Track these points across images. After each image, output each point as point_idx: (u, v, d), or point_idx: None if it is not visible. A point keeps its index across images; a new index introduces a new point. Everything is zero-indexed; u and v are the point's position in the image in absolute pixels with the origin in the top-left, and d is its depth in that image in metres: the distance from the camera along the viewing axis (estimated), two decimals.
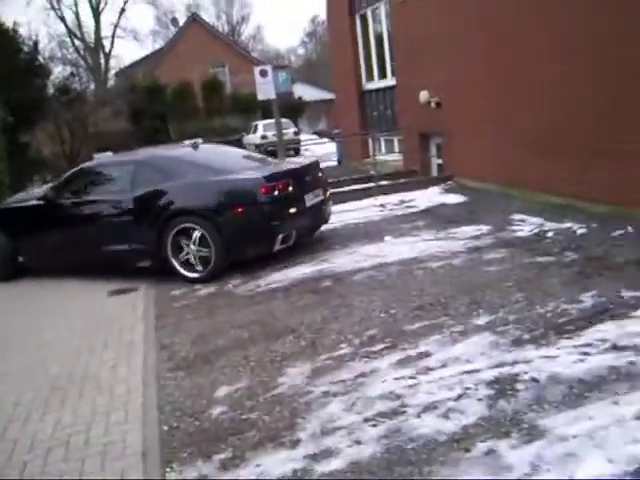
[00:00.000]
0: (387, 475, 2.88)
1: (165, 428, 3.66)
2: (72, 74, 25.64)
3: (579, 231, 6.73)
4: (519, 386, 3.52)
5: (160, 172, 7.11)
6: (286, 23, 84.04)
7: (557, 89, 7.67)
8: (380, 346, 4.38)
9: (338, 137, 15.92)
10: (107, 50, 44.27)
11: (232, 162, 7.71)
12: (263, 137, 22.46)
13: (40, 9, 60.99)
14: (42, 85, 21.96)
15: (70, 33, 43.00)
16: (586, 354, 3.83)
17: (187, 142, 8.65)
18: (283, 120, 24.29)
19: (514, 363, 3.82)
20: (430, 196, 9.87)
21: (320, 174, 7.87)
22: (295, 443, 3.29)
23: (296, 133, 22.81)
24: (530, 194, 8.44)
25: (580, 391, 3.38)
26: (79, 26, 42.91)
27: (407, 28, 11.59)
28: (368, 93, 14.49)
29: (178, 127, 24.68)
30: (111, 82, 41.19)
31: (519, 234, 6.99)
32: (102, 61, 44.38)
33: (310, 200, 7.28)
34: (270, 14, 71.35)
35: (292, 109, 26.02)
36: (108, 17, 59.39)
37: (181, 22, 42.17)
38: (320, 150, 19.37)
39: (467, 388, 3.59)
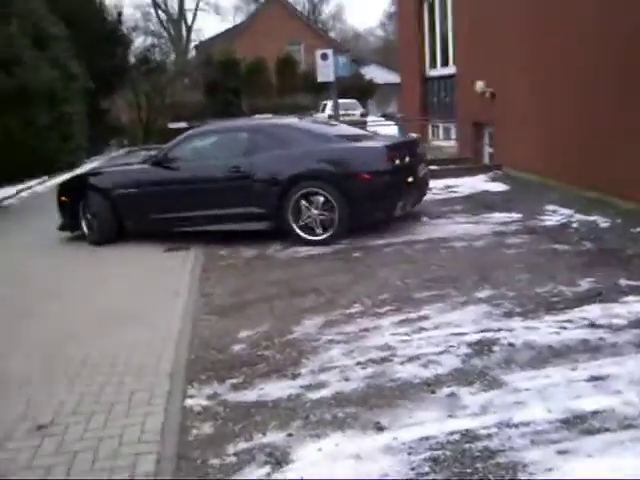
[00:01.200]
0: (361, 403, 3.47)
1: (192, 357, 4.35)
2: (153, 45, 26.84)
3: (602, 224, 7.07)
4: (495, 348, 4.05)
5: (276, 139, 7.47)
6: (367, 3, 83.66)
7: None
8: (387, 308, 4.96)
9: (400, 120, 16.34)
10: (189, 23, 45.55)
11: (344, 131, 8.26)
12: (330, 116, 22.99)
13: None
14: (123, 54, 23.11)
15: (155, 4, 44.45)
16: (564, 328, 4.30)
17: (258, 116, 9.34)
18: (350, 101, 24.93)
19: (498, 330, 4.33)
20: (475, 183, 10.26)
21: (420, 149, 8.27)
22: (295, 376, 3.92)
23: (362, 115, 23.27)
24: (568, 187, 8.76)
25: (546, 356, 3.88)
26: None
27: (468, 17, 11.93)
28: (430, 80, 14.85)
29: (250, 102, 25.50)
30: (191, 54, 42.39)
31: (546, 223, 7.37)
32: (184, 33, 45.71)
33: (420, 171, 7.75)
34: None
35: (362, 91, 26.45)
36: None
37: None
38: (384, 132, 19.79)
39: (450, 346, 4.13)
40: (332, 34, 53.74)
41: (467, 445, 2.98)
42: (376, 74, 35.24)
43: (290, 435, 3.24)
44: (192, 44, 45.41)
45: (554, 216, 7.68)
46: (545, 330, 4.28)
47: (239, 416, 3.49)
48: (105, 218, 8.05)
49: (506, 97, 10.56)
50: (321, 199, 7.04)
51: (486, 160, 11.91)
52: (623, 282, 5.14)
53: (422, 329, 4.48)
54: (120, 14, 23.19)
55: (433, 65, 14.69)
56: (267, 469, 2.96)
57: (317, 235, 7.12)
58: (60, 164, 17.42)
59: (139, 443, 3.29)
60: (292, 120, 8.72)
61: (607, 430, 3.01)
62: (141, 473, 3.02)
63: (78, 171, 17.71)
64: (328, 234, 7.09)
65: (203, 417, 3.52)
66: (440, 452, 2.94)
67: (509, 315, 4.62)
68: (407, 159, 7.34)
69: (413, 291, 5.32)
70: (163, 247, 7.75)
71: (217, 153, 7.84)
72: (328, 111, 23.65)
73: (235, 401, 3.68)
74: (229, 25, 45.09)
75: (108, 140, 24.83)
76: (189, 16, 45.76)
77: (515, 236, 6.87)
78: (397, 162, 7.16)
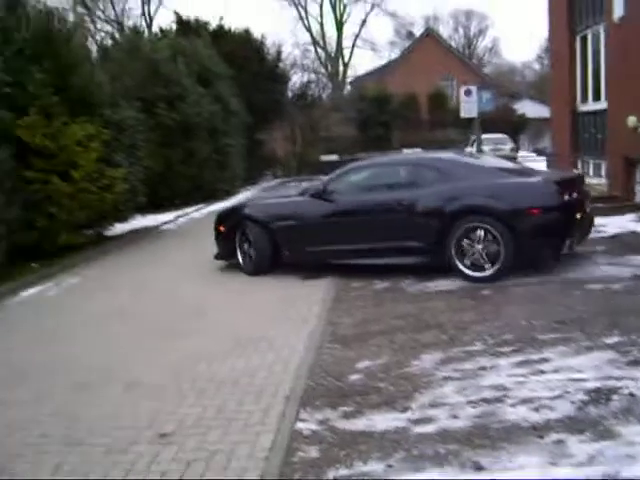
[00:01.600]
0: (465, 442, 3.49)
1: (311, 383, 4.55)
2: (309, 81, 27.97)
3: None
4: (614, 397, 3.89)
5: (439, 173, 7.41)
6: (524, 37, 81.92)
7: None
8: (509, 348, 4.89)
9: (550, 156, 15.86)
10: (346, 59, 46.93)
11: (506, 166, 8.21)
12: (479, 151, 22.76)
13: (290, 19, 65.90)
14: (281, 90, 24.30)
15: (314, 42, 46.28)
16: None
17: (405, 150, 9.56)
18: (500, 136, 24.53)
19: (620, 378, 4.15)
20: (623, 222, 9.76)
21: (585, 185, 8.07)
22: (405, 409, 3.99)
23: (512, 149, 22.79)
24: None
25: None
26: (323, 36, 46.01)
27: (621, 51, 11.41)
28: (581, 114, 14.32)
29: (401, 136, 25.82)
30: (347, 89, 43.62)
31: None
32: (341, 69, 47.16)
33: (587, 208, 7.52)
34: (509, 27, 70.06)
35: (513, 125, 25.93)
36: (350, 28, 62.28)
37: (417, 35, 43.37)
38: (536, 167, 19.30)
39: (567, 392, 4.02)
40: (487, 68, 53.26)
41: None
42: (529, 108, 34.40)
43: (390, 466, 3.33)
44: (348, 79, 46.77)
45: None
46: None
47: (345, 443, 3.63)
48: (263, 249, 8.11)
49: None
50: (486, 234, 6.88)
51: (637, 199, 11.27)
52: None
53: (541, 372, 4.39)
54: (279, 53, 24.53)
55: (584, 100, 14.17)
56: None
57: (481, 271, 6.94)
58: (217, 192, 18.58)
59: (248, 459, 3.52)
60: (453, 154, 8.80)
61: None
62: None
63: (234, 199, 18.85)
64: (492, 271, 6.90)
65: (311, 441, 3.69)
66: None
67: (635, 364, 4.40)
68: (575, 195, 7.15)
69: (538, 332, 5.21)
70: (302, 275, 7.98)
71: (378, 187, 7.92)
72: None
73: (343, 428, 3.82)
74: (384, 61, 45.97)
75: (263, 170, 26.09)
76: (346, 53, 47.18)
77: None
78: (567, 198, 6.96)
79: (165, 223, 14.24)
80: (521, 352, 4.78)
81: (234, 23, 44.00)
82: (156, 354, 5.54)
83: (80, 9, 18.01)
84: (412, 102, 28.15)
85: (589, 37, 13.76)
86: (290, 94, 26.12)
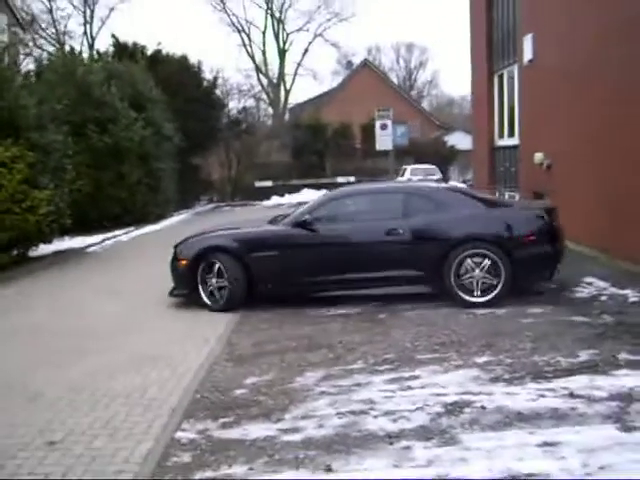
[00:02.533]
0: (324, 448, 3.86)
1: (197, 396, 4.87)
2: (244, 108, 28.42)
3: (632, 299, 7.15)
4: (467, 409, 4.33)
5: (433, 202, 7.59)
6: (463, 70, 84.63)
7: None
8: (386, 367, 5.32)
9: (471, 188, 16.66)
10: (288, 86, 47.67)
11: (490, 198, 8.53)
12: (408, 180, 23.57)
13: (234, 45, 66.52)
14: (216, 116, 24.64)
15: (257, 69, 46.87)
16: (542, 396, 4.53)
17: (340, 179, 9.79)
18: (429, 166, 25.44)
19: (478, 394, 4.61)
20: None
21: None
22: (278, 420, 4.34)
23: (438, 180, 23.65)
24: (616, 261, 8.83)
25: (511, 421, 4.13)
26: (265, 63, 46.68)
27: (530, 91, 12.29)
28: (498, 149, 15.17)
29: (334, 164, 26.46)
30: (287, 116, 44.27)
31: (577, 295, 7.49)
32: (282, 96, 47.83)
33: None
34: (448, 60, 72.37)
35: (443, 157, 26.92)
36: (293, 56, 63.50)
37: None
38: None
39: (426, 405, 4.45)
40: (426, 100, 54.90)
41: None
42: (461, 140, 35.60)
43: (251, 469, 3.67)
44: (289, 106, 47.45)
45: (588, 288, 7.76)
46: (522, 397, 4.52)
47: (217, 450, 3.95)
48: (237, 282, 7.58)
49: (562, 170, 10.77)
50: (487, 261, 7.13)
51: None
52: (623, 356, 5.28)
53: (408, 387, 4.82)
54: (216, 79, 24.95)
55: (501, 135, 15.03)
56: None
57: (479, 297, 7.16)
58: (148, 215, 18.71)
59: (124, 463, 3.81)
60: (440, 185, 9.33)
61: None
62: None
63: (165, 222, 19.02)
64: (491, 296, 7.14)
65: (186, 448, 4.00)
66: None
67: (495, 380, 4.87)
68: (558, 221, 7.62)
69: (417, 353, 5.65)
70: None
71: (369, 215, 7.86)
72: (407, 175, 24.26)
73: (219, 437, 4.14)
74: (326, 88, 46.89)
75: (199, 195, 26.33)
76: (289, 80, 47.93)
77: (537, 306, 7.05)
78: (555, 224, 7.48)
79: (91, 245, 14.32)
80: (395, 370, 5.21)
81: (180, 48, 44.17)
82: (60, 371, 5.74)
83: (16, 29, 17.89)
84: (346, 131, 28.87)
85: (505, 77, 14.64)
86: (226, 120, 26.48)
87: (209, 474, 3.64)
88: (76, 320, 7.68)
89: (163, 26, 61.95)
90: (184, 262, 7.87)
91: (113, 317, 7.75)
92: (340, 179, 23.40)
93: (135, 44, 23.14)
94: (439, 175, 24.29)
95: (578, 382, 4.75)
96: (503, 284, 7.12)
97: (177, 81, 22.07)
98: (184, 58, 24.00)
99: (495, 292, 7.15)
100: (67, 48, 28.88)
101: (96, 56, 21.54)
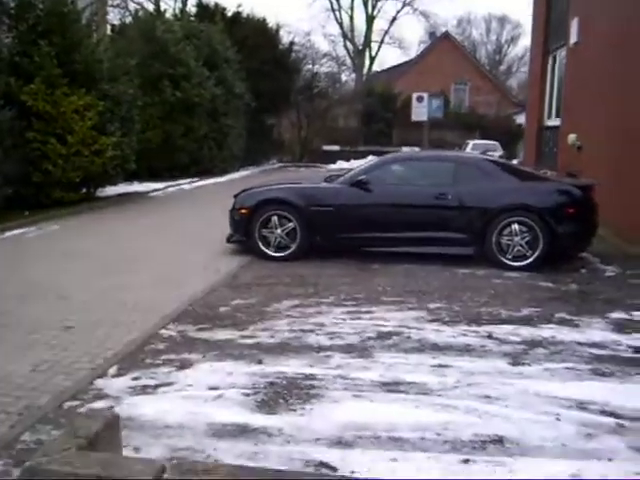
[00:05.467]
0: (265, 350, 4.91)
1: (189, 309, 6.01)
2: (316, 73, 29.27)
3: (608, 274, 7.80)
4: (394, 338, 5.27)
5: (481, 172, 8.25)
6: None
7: None
8: (352, 302, 6.30)
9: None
10: (373, 54, 48.02)
11: (533, 171, 9.32)
12: (500, 156, 23.80)
13: (321, 9, 66.87)
14: (290, 79, 25.63)
15: (344, 35, 47.41)
16: (464, 335, 5.41)
17: (405, 149, 10.60)
18: (491, 142, 25.68)
19: (412, 328, 5.53)
20: None
21: None
22: (242, 330, 5.42)
23: (501, 157, 23.89)
24: (619, 241, 9.42)
25: (423, 348, 5.05)
26: (351, 29, 47.10)
27: (573, 73, 12.71)
28: (545, 129, 15.56)
29: (401, 134, 27.09)
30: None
31: (562, 266, 8.12)
32: (367, 63, 48.26)
33: None
34: None
35: (512, 134, 27.07)
36: (380, 24, 62.92)
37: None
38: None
39: (364, 331, 5.42)
40: (515, 77, 53.90)
41: (296, 381, 4.34)
42: None
43: (204, 357, 4.77)
44: (371, 74, 47.86)
45: (576, 262, 8.37)
46: (446, 334, 5.41)
47: (186, 343, 5.07)
48: (300, 233, 8.21)
49: (590, 150, 11.28)
50: (526, 229, 7.84)
51: None
52: (560, 315, 6.05)
53: (358, 318, 5.79)
54: (292, 43, 25.92)
55: (549, 116, 15.41)
56: (173, 370, 4.51)
57: (520, 261, 7.89)
58: (214, 169, 20.08)
59: (115, 344, 5.01)
60: (484, 156, 9.92)
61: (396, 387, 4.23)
62: (105, 356, 4.71)
63: (229, 177, 20.33)
64: (529, 261, 7.86)
65: (164, 340, 5.15)
66: (279, 381, 4.32)
67: (433, 321, 5.78)
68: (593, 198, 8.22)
69: (385, 296, 6.60)
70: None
71: (421, 180, 8.41)
72: (469, 149, 24.63)
73: (192, 336, 5.27)
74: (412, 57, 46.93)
75: (268, 153, 27.55)
76: (374, 48, 48.28)
77: (516, 271, 7.80)
78: (592, 200, 8.12)
79: (154, 190, 15.77)
80: (357, 306, 6.19)
81: (265, 10, 45.38)
82: (92, 282, 7.02)
83: None
84: None
85: (557, 58, 14.99)
86: (300, 83, 27.44)
87: (172, 356, 4.77)
88: (119, 249, 9.00)
89: None
90: (243, 211, 8.44)
91: (151, 249, 9.03)
92: (405, 149, 24.01)
93: (216, 5, 24.37)
94: (500, 151, 24.51)
95: (504, 329, 5.58)
96: (540, 251, 7.82)
97: (253, 43, 23.18)
98: (262, 21, 25.07)
99: (531, 259, 7.85)
100: (162, 5, 30.55)
101: (179, 15, 22.84)
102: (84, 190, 13.26)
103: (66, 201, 12.36)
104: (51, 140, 11.81)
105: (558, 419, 3.83)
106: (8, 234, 9.92)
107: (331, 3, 47.39)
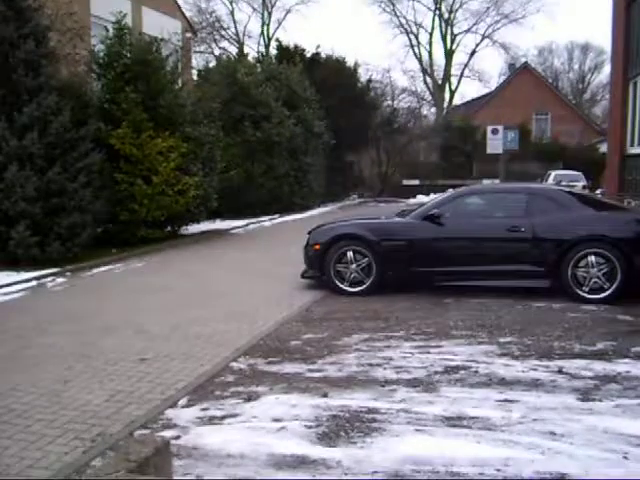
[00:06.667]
0: (332, 384, 4.99)
1: (261, 342, 6.17)
2: (395, 109, 29.49)
3: None
4: (461, 372, 5.25)
5: (554, 203, 8.16)
6: None
7: None
8: (421, 337, 6.30)
9: (601, 195, 16.62)
10: (453, 87, 48.00)
11: (611, 202, 9.30)
12: (584, 187, 23.25)
13: (400, 45, 67.56)
14: (369, 115, 25.96)
15: (423, 70, 47.67)
16: (534, 370, 5.32)
17: (485, 181, 10.67)
18: (574, 173, 25.05)
19: (480, 362, 5.49)
20: None
21: None
22: (311, 363, 5.53)
23: (584, 187, 23.25)
24: None
25: (490, 383, 5.01)
26: (430, 64, 47.31)
27: None
28: (629, 157, 15.11)
29: (481, 166, 26.84)
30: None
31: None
32: (447, 97, 48.24)
33: None
34: None
35: (594, 164, 26.32)
36: (459, 57, 62.80)
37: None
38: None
39: (431, 365, 5.41)
40: (600, 105, 52.50)
41: (359, 414, 4.39)
42: None
43: (271, 389, 4.89)
44: (452, 107, 47.76)
45: None
46: (516, 369, 5.34)
47: (255, 376, 5.22)
48: (373, 269, 8.27)
49: None
50: (601, 260, 7.66)
51: None
52: (635, 349, 5.84)
53: (427, 352, 5.80)
54: (370, 81, 26.29)
55: (632, 143, 14.98)
56: (240, 402, 4.65)
57: (597, 293, 7.69)
58: (294, 205, 20.49)
59: (187, 376, 5.22)
60: (557, 187, 9.95)
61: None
62: (178, 387, 4.92)
63: (310, 213, 20.69)
64: (607, 293, 7.66)
65: (233, 372, 5.31)
66: (342, 414, 4.38)
67: (502, 355, 5.71)
68: None
69: (455, 330, 6.57)
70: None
71: (492, 212, 8.44)
72: (551, 180, 24.10)
73: (261, 369, 5.42)
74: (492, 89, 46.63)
75: (349, 190, 27.88)
76: (454, 82, 48.29)
77: (594, 304, 7.59)
78: None
79: (235, 228, 16.25)
80: (426, 340, 6.19)
81: (345, 49, 46.32)
82: (169, 316, 7.32)
83: (188, 34, 20.35)
84: None
85: (638, 84, 14.60)
86: (379, 119, 27.74)
87: (240, 389, 4.92)
88: (197, 283, 9.34)
89: (333, 27, 64.44)
90: (317, 247, 8.55)
91: (229, 284, 9.32)
92: (485, 181, 23.78)
93: (296, 47, 25.08)
94: (584, 182, 23.88)
95: (575, 364, 5.46)
96: (618, 283, 7.60)
97: (332, 82, 23.68)
98: (341, 60, 25.61)
99: (609, 291, 7.64)
100: (246, 48, 31.74)
101: (261, 58, 23.66)
102: (168, 228, 13.82)
103: (151, 239, 12.91)
104: (137, 181, 12.43)
105: (626, 457, 3.72)
106: (96, 270, 10.47)
107: (410, 39, 47.92)
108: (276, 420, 4.26)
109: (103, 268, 10.66)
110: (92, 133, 11.41)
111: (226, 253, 12.60)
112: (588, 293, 7.74)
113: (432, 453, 3.76)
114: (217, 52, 36.85)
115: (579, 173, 24.52)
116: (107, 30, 13.79)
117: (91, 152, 11.11)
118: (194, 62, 24.15)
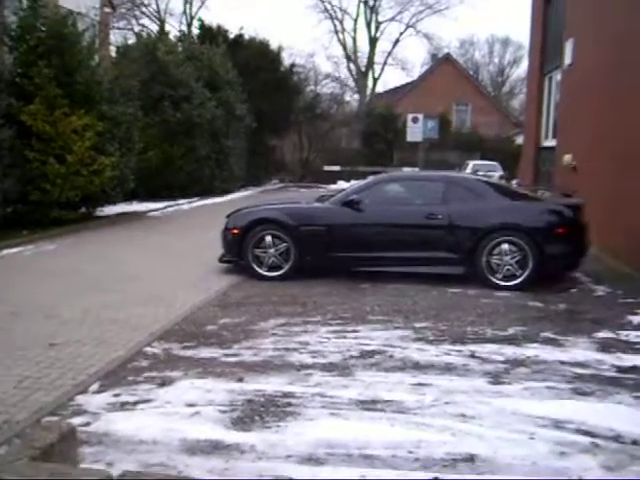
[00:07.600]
0: (246, 368, 4.95)
1: (176, 327, 6.05)
2: (317, 94, 29.54)
3: (598, 293, 7.82)
4: (376, 356, 5.30)
5: (471, 192, 8.31)
6: None
7: None
8: (338, 322, 6.33)
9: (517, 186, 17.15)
10: (376, 75, 48.41)
11: (524, 191, 9.33)
12: (501, 177, 23.77)
13: (325, 31, 67.69)
14: (291, 100, 25.86)
15: (347, 57, 47.81)
16: (447, 354, 5.43)
17: (405, 169, 10.70)
18: (491, 163, 25.80)
19: (396, 347, 5.56)
20: None
21: None
22: (226, 348, 5.46)
23: (501, 177, 23.97)
24: (612, 261, 9.46)
25: (405, 367, 5.08)
26: (355, 51, 47.51)
27: (567, 94, 12.83)
28: (542, 150, 15.66)
29: (401, 154, 27.24)
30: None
31: (553, 285, 8.10)
32: (370, 84, 48.62)
33: None
34: None
35: (511, 155, 27.15)
36: (383, 46, 63.46)
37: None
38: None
39: (347, 350, 5.45)
40: (518, 98, 54.13)
41: (274, 398, 4.37)
42: None
43: (186, 374, 4.81)
44: (375, 95, 48.19)
45: (568, 282, 8.38)
46: (430, 353, 5.43)
47: (169, 361, 5.12)
48: (292, 254, 8.28)
49: (585, 171, 11.35)
50: (514, 249, 7.84)
51: None
52: (544, 334, 6.06)
53: (344, 337, 5.83)
54: (293, 65, 26.19)
55: (546, 136, 15.52)
56: (153, 387, 4.55)
57: (510, 280, 7.89)
58: (214, 189, 20.21)
59: (99, 361, 5.06)
60: (476, 176, 10.13)
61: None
62: (89, 373, 4.76)
63: (230, 197, 20.46)
64: (519, 280, 7.87)
65: (147, 358, 5.19)
66: (257, 398, 4.35)
67: (417, 340, 5.80)
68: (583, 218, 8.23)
69: (372, 315, 6.63)
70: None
71: (410, 200, 8.58)
72: (468, 170, 24.74)
73: (176, 354, 5.31)
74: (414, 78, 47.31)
75: (270, 174, 27.75)
76: (377, 69, 48.66)
77: (506, 290, 7.82)
78: (582, 220, 8.15)
79: (152, 210, 15.89)
80: (343, 325, 6.22)
81: (269, 32, 45.91)
82: (81, 300, 7.08)
83: (107, 9, 19.65)
84: None
85: (553, 79, 15.12)
86: (301, 104, 27.69)
87: (154, 374, 4.81)
88: (112, 266, 9.08)
89: (258, 8, 63.82)
90: (235, 231, 8.49)
91: (144, 268, 9.10)
92: (406, 169, 24.14)
93: (219, 27, 24.67)
94: (501, 172, 24.61)
95: (487, 348, 5.60)
96: (530, 271, 7.83)
97: (255, 65, 23.44)
98: (264, 43, 25.36)
99: (521, 279, 7.86)
100: (167, 26, 30.95)
101: (182, 37, 23.14)
102: (83, 209, 13.37)
103: (64, 220, 12.45)
104: (50, 160, 11.94)
105: (532, 438, 3.84)
106: (5, 252, 10.02)
107: (334, 25, 47.90)
108: (190, 405, 4.19)
109: (12, 250, 10.21)
110: (3, 109, 10.86)
111: (143, 236, 12.31)
112: (501, 280, 7.96)
113: (346, 436, 3.78)
114: (137, 29, 35.71)
115: (496, 163, 25.27)
116: (20, 1, 13.15)
117: (1, 128, 10.58)
118: (112, 38, 23.37)
